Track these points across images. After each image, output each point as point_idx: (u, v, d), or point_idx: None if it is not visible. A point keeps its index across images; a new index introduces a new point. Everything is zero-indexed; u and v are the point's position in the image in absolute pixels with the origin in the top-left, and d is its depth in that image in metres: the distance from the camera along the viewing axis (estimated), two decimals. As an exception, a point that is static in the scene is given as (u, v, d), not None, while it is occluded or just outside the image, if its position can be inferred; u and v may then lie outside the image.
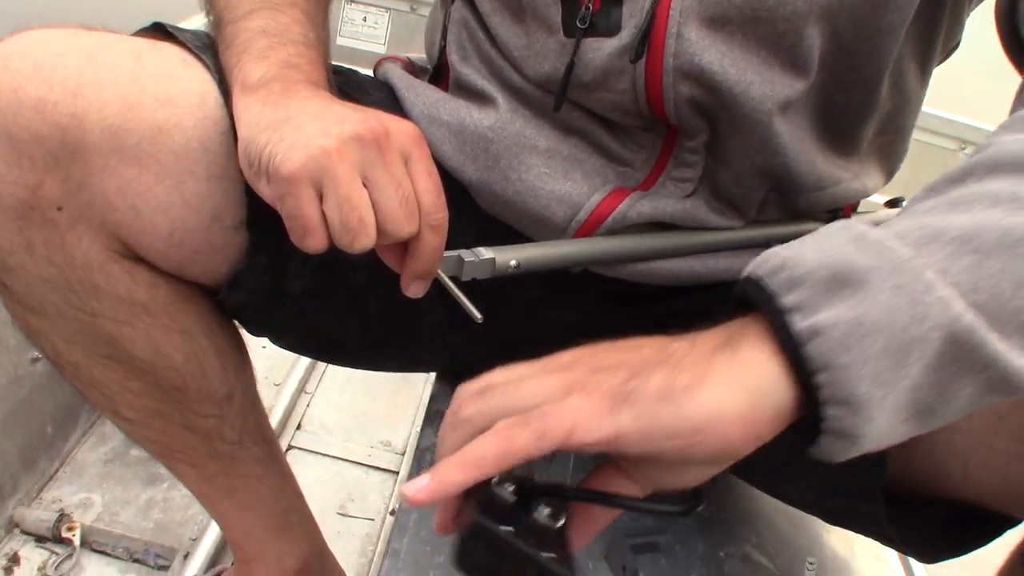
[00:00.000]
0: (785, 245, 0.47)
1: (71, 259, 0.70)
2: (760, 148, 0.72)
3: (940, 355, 0.42)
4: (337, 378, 1.72)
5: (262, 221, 0.73)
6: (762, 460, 0.62)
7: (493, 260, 0.68)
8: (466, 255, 0.67)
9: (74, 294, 0.72)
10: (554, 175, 0.75)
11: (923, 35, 0.76)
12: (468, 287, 0.66)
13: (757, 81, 0.69)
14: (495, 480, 0.47)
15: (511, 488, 0.47)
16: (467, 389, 0.51)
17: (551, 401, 0.46)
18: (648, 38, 0.68)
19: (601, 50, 0.71)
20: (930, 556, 0.72)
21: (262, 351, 1.69)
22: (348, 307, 0.81)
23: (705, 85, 0.69)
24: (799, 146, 0.74)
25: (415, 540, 0.81)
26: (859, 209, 0.92)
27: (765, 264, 0.46)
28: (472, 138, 0.77)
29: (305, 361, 1.68)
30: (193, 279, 0.76)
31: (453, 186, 0.78)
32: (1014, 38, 0.68)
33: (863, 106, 0.77)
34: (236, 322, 0.84)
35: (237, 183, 0.70)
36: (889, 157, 0.88)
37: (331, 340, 0.86)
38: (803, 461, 0.56)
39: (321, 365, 1.73)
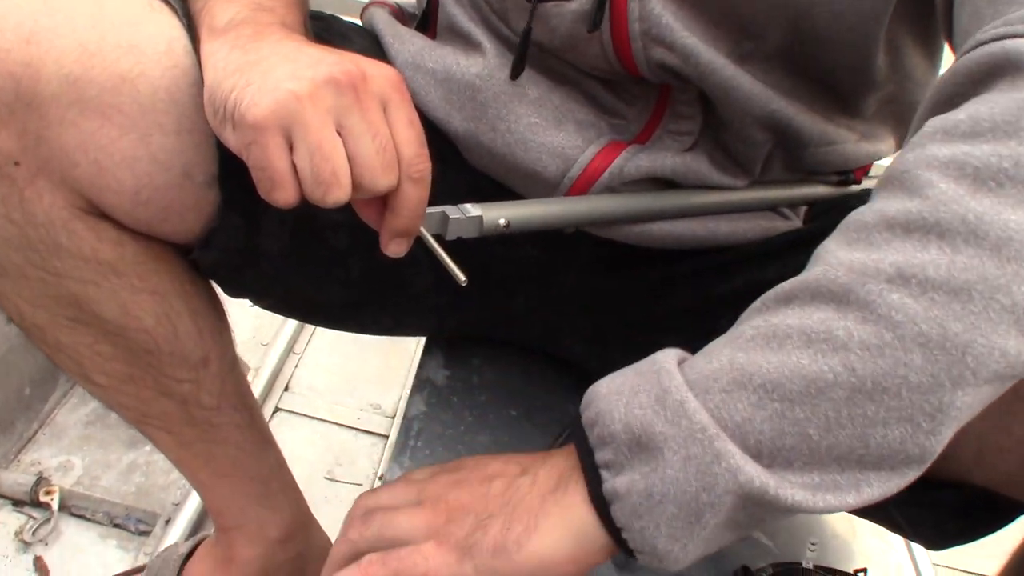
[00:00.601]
0: (610, 379, 0.53)
1: (31, 216, 0.66)
2: (747, 102, 0.67)
3: (734, 509, 0.46)
4: (327, 339, 1.68)
5: (235, 177, 0.68)
6: None
7: (481, 218, 0.63)
8: (451, 212, 0.63)
9: (36, 253, 0.68)
10: (545, 125, 0.70)
11: (918, 15, 0.70)
12: (453, 247, 0.61)
13: (723, 41, 0.65)
14: None
15: None
16: (358, 507, 0.60)
17: (413, 541, 0.54)
18: (607, 5, 0.64)
19: (562, 15, 0.67)
20: (937, 542, 0.69)
21: (249, 310, 1.66)
22: (329, 269, 0.77)
23: (677, 50, 0.65)
24: (791, 99, 0.70)
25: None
26: (871, 173, 0.87)
27: (588, 409, 0.52)
28: (459, 87, 0.73)
29: (292, 322, 1.64)
30: (163, 237, 0.72)
31: (439, 139, 0.74)
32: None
33: (857, 80, 0.72)
34: (213, 283, 0.80)
35: (208, 137, 0.66)
36: (902, 123, 0.83)
37: (313, 302, 0.82)
38: None
39: (309, 327, 1.69)
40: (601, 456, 0.50)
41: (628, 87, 0.71)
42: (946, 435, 0.47)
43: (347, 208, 0.74)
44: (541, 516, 0.52)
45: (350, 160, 0.53)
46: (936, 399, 0.45)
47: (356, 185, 0.53)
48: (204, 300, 0.79)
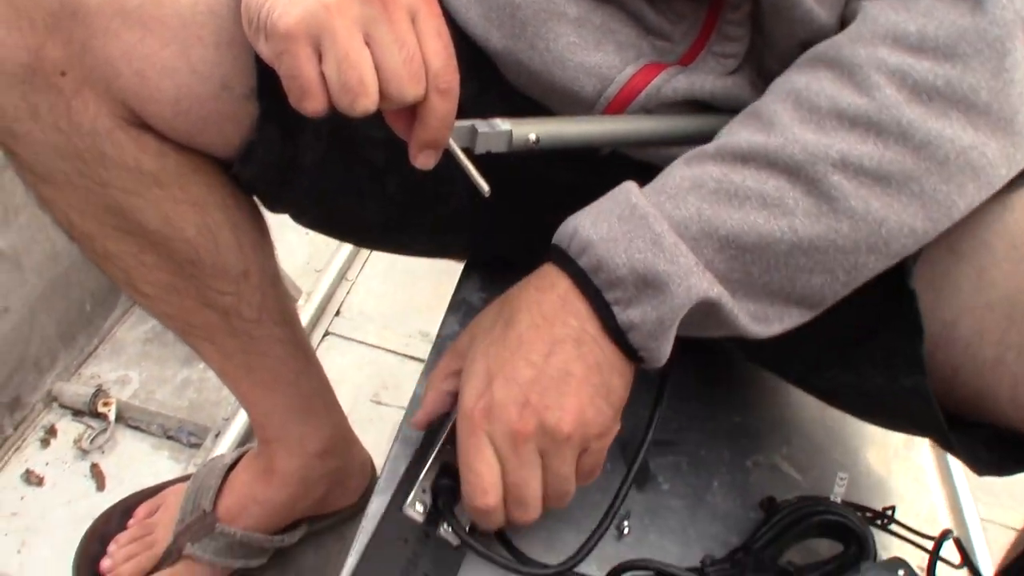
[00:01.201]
0: (593, 223, 0.59)
1: (77, 126, 0.68)
2: (800, 25, 0.65)
3: (706, 317, 0.59)
4: (379, 266, 1.70)
5: (273, 91, 0.69)
6: (795, 348, 0.68)
7: (510, 133, 0.62)
8: (480, 126, 0.62)
9: (83, 162, 0.70)
10: (584, 45, 0.69)
11: None
12: (488, 166, 0.61)
13: None
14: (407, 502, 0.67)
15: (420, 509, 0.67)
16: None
17: None
18: None
19: None
20: (976, 468, 0.68)
21: (304, 236, 1.70)
22: (366, 185, 0.78)
23: None
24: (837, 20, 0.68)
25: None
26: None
27: (585, 255, 0.59)
28: (498, 4, 0.72)
29: (347, 248, 1.66)
30: (204, 149, 0.73)
31: (478, 56, 0.74)
32: None
33: None
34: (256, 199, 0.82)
35: (247, 50, 0.67)
36: None
37: (350, 219, 0.83)
38: (839, 342, 0.69)
39: (363, 252, 1.72)
40: (611, 295, 0.58)
41: (675, 5, 0.69)
42: (851, 288, 0.60)
43: (383, 124, 0.75)
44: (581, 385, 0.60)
45: (377, 70, 0.53)
46: (853, 259, 0.58)
47: (383, 95, 0.54)
48: (245, 214, 0.80)
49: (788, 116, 0.59)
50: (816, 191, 0.57)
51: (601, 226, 0.58)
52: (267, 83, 0.69)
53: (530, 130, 0.63)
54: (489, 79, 0.74)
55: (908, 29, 0.58)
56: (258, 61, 0.68)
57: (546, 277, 0.62)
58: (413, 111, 0.57)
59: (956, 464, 1.18)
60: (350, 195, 0.79)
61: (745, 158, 0.58)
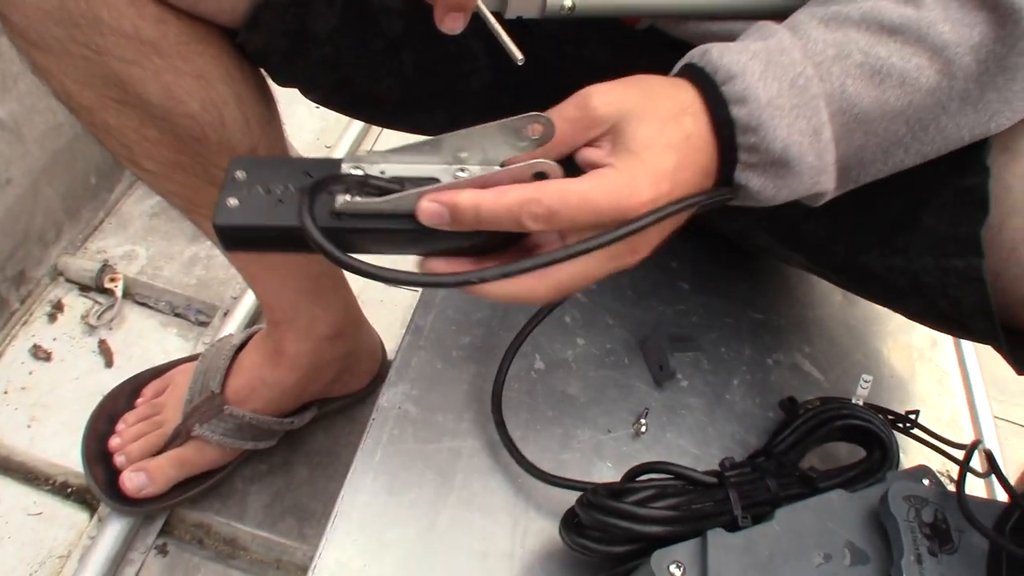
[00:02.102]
0: (762, 78, 0.53)
1: None
2: None
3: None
4: (391, 144, 1.64)
5: (283, -49, 0.65)
6: (842, 230, 0.69)
7: None
8: None
9: (77, 28, 0.66)
10: None
11: None
12: (518, 37, 0.56)
13: None
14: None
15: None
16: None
17: None
18: None
19: None
20: (1017, 366, 0.66)
21: (314, 112, 1.64)
22: (381, 58, 0.73)
23: None
24: None
25: (440, 318, 0.76)
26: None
27: (746, 105, 0.52)
28: None
29: (358, 125, 1.61)
30: (208, 17, 0.68)
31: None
32: None
33: None
34: (264, 72, 0.77)
35: None
36: None
37: (364, 95, 0.78)
38: (890, 221, 0.67)
39: (375, 130, 1.66)
40: (747, 158, 0.54)
41: None
42: (926, 159, 0.59)
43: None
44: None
45: None
46: (951, 136, 0.56)
47: None
48: (251, 87, 0.76)
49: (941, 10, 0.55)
50: (947, 71, 0.54)
51: (771, 85, 0.53)
52: (276, -56, 0.64)
53: None
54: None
55: None
56: None
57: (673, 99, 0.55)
58: None
59: (975, 368, 1.16)
60: (364, 68, 0.74)
61: (893, 31, 0.55)
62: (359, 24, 0.70)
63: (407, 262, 0.52)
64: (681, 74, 0.55)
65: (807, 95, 0.53)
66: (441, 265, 0.52)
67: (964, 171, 0.61)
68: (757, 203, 0.57)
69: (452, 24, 0.53)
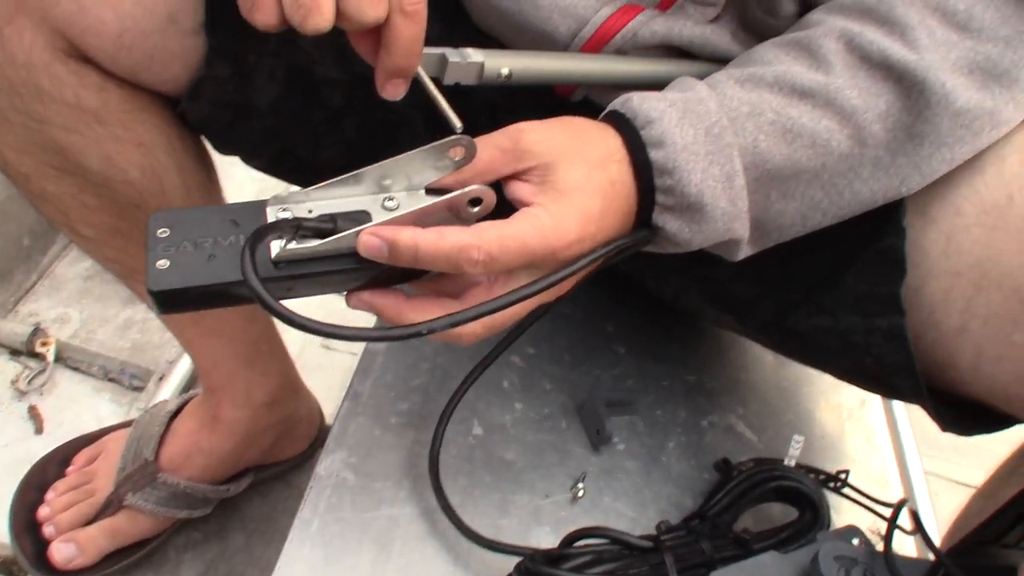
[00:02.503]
0: (679, 125, 0.55)
1: (12, 57, 0.64)
2: None
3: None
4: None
5: (224, 24, 0.66)
6: (769, 289, 0.71)
7: (482, 65, 0.59)
8: (451, 54, 0.58)
9: (18, 97, 0.66)
10: None
11: None
12: (451, 95, 0.56)
13: None
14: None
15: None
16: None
17: None
18: None
19: None
20: (941, 423, 0.68)
21: (254, 174, 1.64)
22: (322, 129, 0.74)
23: None
24: None
25: (378, 384, 0.77)
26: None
27: (663, 149, 0.55)
28: None
29: (297, 189, 1.61)
30: (149, 86, 0.69)
31: (444, -1, 0.70)
32: None
33: None
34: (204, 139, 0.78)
35: None
36: None
37: (305, 164, 0.79)
38: (816, 282, 0.69)
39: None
40: (663, 200, 0.56)
41: None
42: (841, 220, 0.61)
43: (341, 64, 0.71)
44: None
45: None
46: (865, 200, 0.60)
47: (341, 14, 0.48)
48: (192, 155, 0.76)
49: (842, 59, 0.59)
50: (857, 136, 0.58)
51: (687, 131, 0.55)
52: (216, 16, 0.65)
53: (503, 63, 0.60)
54: (454, 19, 0.71)
55: (957, 7, 0.59)
56: None
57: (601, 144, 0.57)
58: (379, 34, 0.52)
59: (905, 425, 1.19)
60: (305, 139, 0.75)
61: (804, 94, 0.58)
62: (300, 96, 0.71)
63: (356, 318, 0.53)
64: (605, 120, 0.58)
65: (721, 143, 0.56)
66: (374, 299, 0.54)
67: (882, 232, 0.63)
68: (675, 247, 0.59)
69: (393, 91, 0.53)
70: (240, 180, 1.60)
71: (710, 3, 0.66)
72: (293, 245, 0.50)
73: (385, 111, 0.73)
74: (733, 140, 0.56)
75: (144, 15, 0.63)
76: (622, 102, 0.57)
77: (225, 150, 0.78)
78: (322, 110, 0.73)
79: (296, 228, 0.50)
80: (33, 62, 0.64)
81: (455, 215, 0.55)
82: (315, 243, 0.50)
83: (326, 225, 0.51)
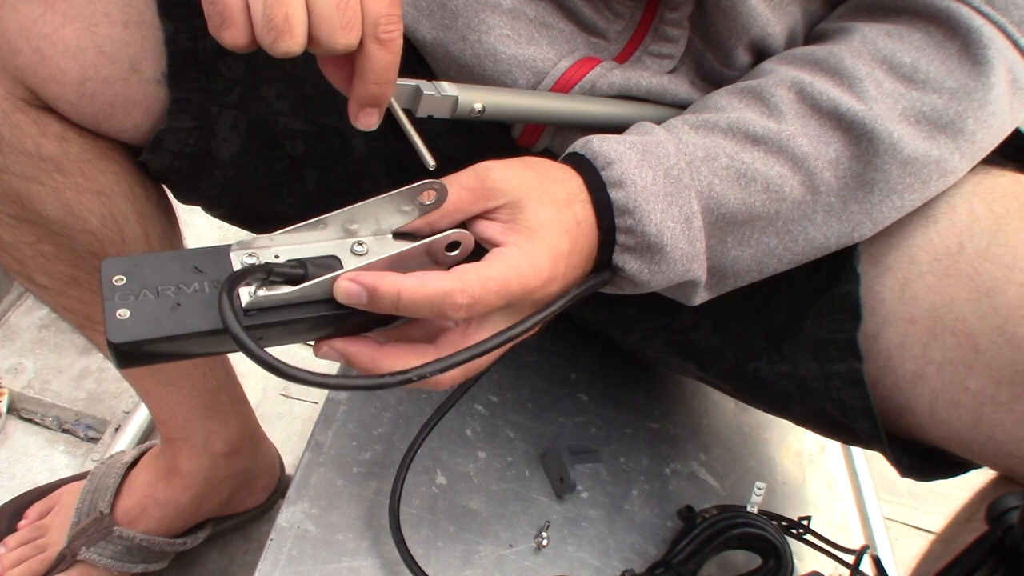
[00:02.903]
0: (639, 167, 0.56)
1: None
2: (746, 26, 0.65)
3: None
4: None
5: (186, 75, 0.66)
6: (730, 338, 0.72)
7: (455, 99, 0.59)
8: (425, 87, 0.58)
9: None
10: (517, 39, 0.67)
11: None
12: (422, 132, 0.55)
13: None
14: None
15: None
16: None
17: None
18: None
19: None
20: (900, 469, 0.68)
21: (214, 221, 1.63)
22: (283, 179, 0.74)
23: None
24: (794, 28, 0.68)
25: (340, 434, 0.76)
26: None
27: (623, 189, 0.56)
28: None
29: (258, 236, 1.61)
30: (111, 135, 0.69)
31: (406, 48, 0.71)
32: None
33: None
34: (165, 187, 0.78)
35: (157, 30, 0.64)
36: None
37: (266, 213, 0.79)
38: (774, 330, 0.70)
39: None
40: (624, 240, 0.57)
41: (612, 3, 0.67)
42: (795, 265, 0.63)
43: (304, 114, 0.71)
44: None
45: (308, 10, 0.47)
46: (818, 245, 0.62)
47: (312, 39, 0.48)
48: (153, 204, 0.76)
49: (793, 107, 0.61)
50: (809, 183, 0.59)
51: (647, 173, 0.56)
52: (178, 68, 0.65)
53: (477, 98, 0.60)
54: (415, 70, 0.72)
55: (903, 59, 0.61)
56: (169, 44, 0.65)
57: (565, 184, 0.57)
58: (352, 61, 0.51)
59: (864, 471, 1.20)
60: (266, 188, 0.75)
61: (757, 140, 0.59)
62: (263, 147, 0.71)
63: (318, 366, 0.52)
64: (565, 161, 0.59)
65: (679, 184, 0.57)
66: (346, 347, 0.53)
67: (838, 279, 0.65)
68: (634, 288, 0.60)
69: (366, 120, 0.53)
70: (200, 228, 1.59)
71: (667, 55, 0.68)
72: (263, 292, 0.48)
73: (347, 162, 0.74)
74: (690, 182, 0.57)
75: (106, 64, 0.63)
76: (582, 144, 0.58)
77: (187, 200, 0.77)
78: (283, 160, 0.73)
79: (268, 274, 0.48)
80: None
81: (432, 259, 0.54)
82: (287, 290, 0.48)
83: (296, 271, 0.49)
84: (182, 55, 0.65)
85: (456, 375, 0.54)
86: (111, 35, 0.62)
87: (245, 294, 0.48)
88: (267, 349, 0.46)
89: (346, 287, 0.49)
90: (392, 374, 0.50)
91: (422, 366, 0.50)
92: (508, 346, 0.54)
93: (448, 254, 0.54)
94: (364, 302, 0.49)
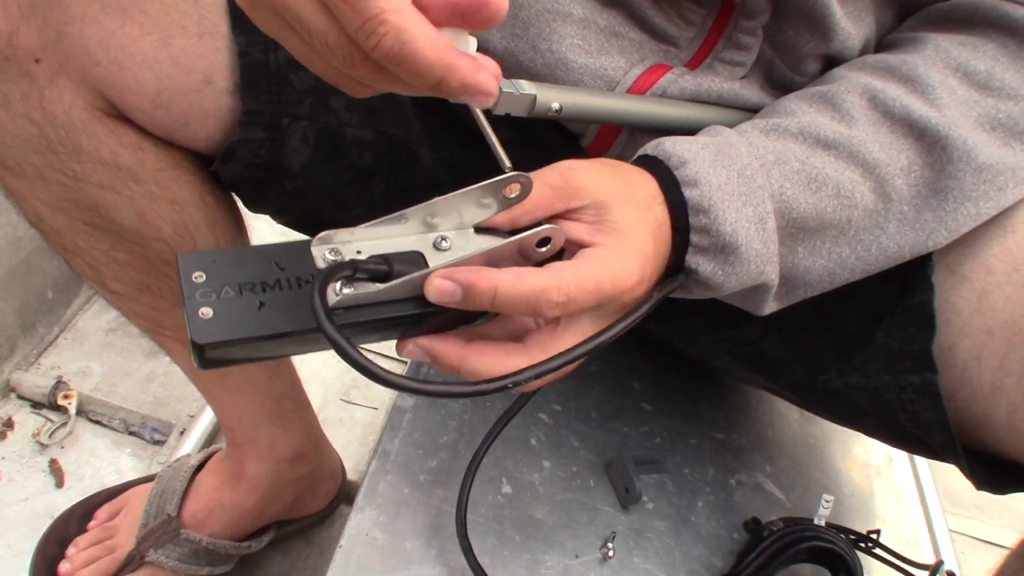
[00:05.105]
0: (712, 165, 0.55)
1: (51, 116, 0.65)
2: (827, 39, 0.64)
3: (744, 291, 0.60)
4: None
5: (258, 87, 0.67)
6: (800, 349, 0.71)
7: (534, 97, 0.58)
8: (504, 85, 0.57)
9: (55, 155, 0.67)
10: (588, 48, 0.67)
11: None
12: (480, 148, 0.54)
13: None
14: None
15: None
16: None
17: None
18: None
19: None
20: (975, 481, 0.67)
21: (276, 228, 1.65)
22: (352, 189, 0.75)
23: None
24: (868, 38, 0.68)
25: (406, 442, 0.76)
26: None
27: (698, 187, 0.55)
28: None
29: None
30: (185, 145, 0.70)
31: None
32: None
33: None
34: (234, 195, 0.79)
35: (230, 42, 0.65)
36: None
37: (333, 222, 0.79)
38: (845, 341, 0.68)
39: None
40: (698, 240, 0.55)
41: (685, 10, 0.67)
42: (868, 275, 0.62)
43: (371, 124, 0.72)
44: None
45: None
46: (892, 256, 0.60)
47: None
48: (224, 212, 0.77)
49: (865, 114, 0.60)
50: (880, 191, 0.58)
51: (720, 172, 0.55)
52: (251, 79, 0.66)
53: (554, 97, 0.59)
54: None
55: (978, 67, 0.61)
56: (241, 56, 0.65)
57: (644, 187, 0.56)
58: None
59: (928, 483, 1.18)
60: (334, 198, 0.76)
61: (828, 145, 0.58)
62: (331, 157, 0.72)
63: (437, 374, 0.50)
64: (637, 164, 0.57)
65: (753, 185, 0.56)
66: (432, 345, 0.52)
67: (912, 289, 0.64)
68: (705, 291, 0.58)
69: (476, 102, 0.46)
70: (263, 234, 1.61)
71: (739, 63, 0.67)
72: (349, 290, 0.47)
73: (413, 172, 0.74)
74: (764, 183, 0.56)
75: (181, 75, 0.64)
76: (654, 146, 0.58)
77: (256, 208, 0.78)
78: (351, 170, 0.74)
79: (354, 271, 0.47)
80: (72, 121, 0.65)
81: (523, 256, 0.53)
82: (375, 287, 0.47)
83: (381, 267, 0.48)
84: (254, 67, 0.66)
85: (547, 378, 0.53)
86: (186, 47, 0.63)
87: (331, 292, 0.46)
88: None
89: (439, 284, 0.47)
90: (488, 381, 0.48)
91: (517, 373, 0.49)
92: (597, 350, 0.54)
93: (539, 250, 0.52)
94: (458, 299, 0.48)
